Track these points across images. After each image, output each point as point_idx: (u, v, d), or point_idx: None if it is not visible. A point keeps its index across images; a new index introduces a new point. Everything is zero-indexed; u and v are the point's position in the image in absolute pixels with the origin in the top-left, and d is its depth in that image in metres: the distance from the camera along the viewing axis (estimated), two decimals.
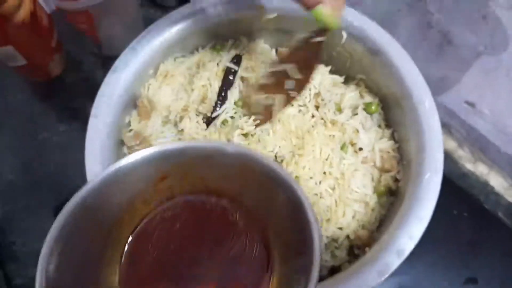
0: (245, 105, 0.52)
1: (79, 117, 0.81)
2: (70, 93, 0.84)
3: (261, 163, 0.34)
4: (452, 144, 0.80)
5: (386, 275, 0.41)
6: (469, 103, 0.80)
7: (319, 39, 0.43)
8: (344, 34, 0.53)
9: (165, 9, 0.91)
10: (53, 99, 0.84)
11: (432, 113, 0.47)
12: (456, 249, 0.68)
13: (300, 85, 0.47)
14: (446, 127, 0.80)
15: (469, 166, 0.81)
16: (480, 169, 0.81)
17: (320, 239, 0.30)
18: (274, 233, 0.36)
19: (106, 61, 0.86)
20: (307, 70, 0.47)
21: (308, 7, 0.39)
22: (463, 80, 0.76)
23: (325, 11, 0.38)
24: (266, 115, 0.50)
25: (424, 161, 0.46)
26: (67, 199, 0.69)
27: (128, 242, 0.37)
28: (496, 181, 0.81)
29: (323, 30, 0.44)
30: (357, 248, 0.50)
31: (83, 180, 0.70)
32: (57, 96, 0.84)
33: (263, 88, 0.50)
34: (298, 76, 0.47)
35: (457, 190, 0.72)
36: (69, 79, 0.86)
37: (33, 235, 0.67)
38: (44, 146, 0.78)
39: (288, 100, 0.48)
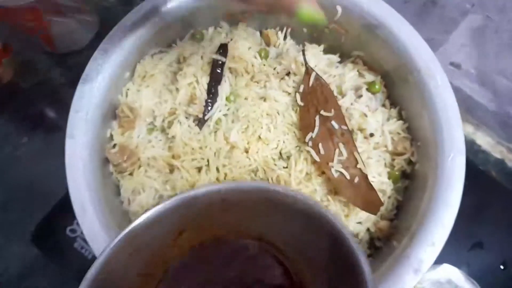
0: None
1: (41, 124, 0.75)
2: (26, 99, 0.77)
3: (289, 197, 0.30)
4: None
5: (424, 271, 0.38)
6: (455, 64, 0.78)
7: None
8: (339, 9, 0.48)
9: None
10: (7, 108, 0.76)
11: (446, 88, 0.44)
12: (460, 216, 0.67)
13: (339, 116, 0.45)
14: None
15: None
16: (467, 129, 0.80)
17: (370, 271, 0.27)
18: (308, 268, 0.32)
19: (62, 59, 0.79)
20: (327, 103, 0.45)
21: (290, 11, 0.34)
22: (449, 41, 0.73)
23: (309, 9, 0.34)
24: None
25: (444, 141, 0.42)
26: (44, 220, 0.63)
27: None
28: (483, 140, 0.81)
29: None
30: (378, 240, 0.47)
31: (55, 196, 0.65)
32: (12, 104, 0.77)
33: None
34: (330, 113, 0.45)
35: None
36: (22, 84, 0.78)
37: (9, 261, 0.63)
38: (8, 161, 0.71)
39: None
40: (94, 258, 0.39)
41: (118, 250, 0.29)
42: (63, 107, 0.75)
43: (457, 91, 0.79)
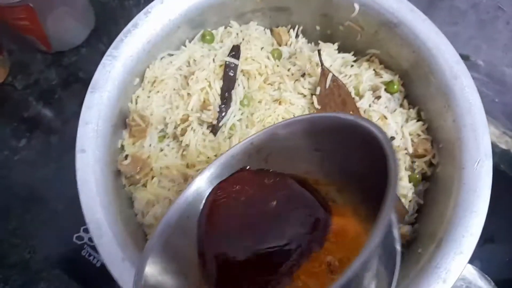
0: None
1: (38, 126, 0.73)
2: (21, 100, 0.75)
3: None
4: None
5: (453, 282, 0.37)
6: (463, 56, 0.76)
7: None
8: (357, 7, 0.46)
9: None
10: (2, 110, 0.74)
11: (472, 91, 0.42)
12: None
13: None
14: None
15: None
16: None
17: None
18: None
19: (57, 58, 0.76)
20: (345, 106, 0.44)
21: None
22: (458, 33, 0.72)
23: None
24: None
25: (470, 145, 0.41)
26: (48, 227, 0.61)
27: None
28: (488, 130, 0.80)
29: None
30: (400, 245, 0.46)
31: (57, 201, 0.63)
32: (7, 106, 0.74)
33: None
34: None
35: None
36: (16, 84, 0.75)
37: (13, 269, 0.61)
38: (6, 166, 0.68)
39: None
40: (102, 265, 0.38)
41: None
42: (61, 107, 0.74)
43: None
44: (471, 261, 0.59)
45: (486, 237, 0.64)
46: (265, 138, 0.32)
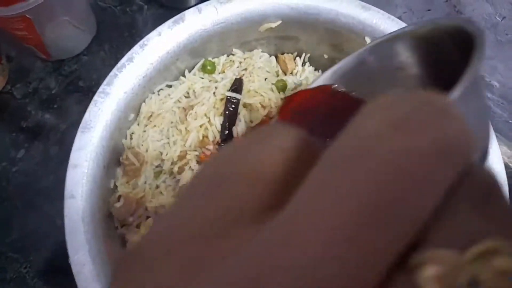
0: None
1: (37, 137, 0.71)
2: (21, 109, 0.73)
3: None
4: None
5: None
6: None
7: None
8: (368, 40, 0.43)
9: None
10: (0, 119, 0.72)
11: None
12: None
13: None
14: None
15: None
16: None
17: None
18: None
19: (58, 66, 0.74)
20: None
21: None
22: None
23: None
24: None
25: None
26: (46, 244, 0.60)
27: None
28: (500, 150, 0.79)
29: None
30: None
31: (57, 215, 0.62)
32: (5, 115, 0.72)
33: None
34: None
35: None
36: (15, 93, 0.74)
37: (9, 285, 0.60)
38: (4, 178, 0.66)
39: None
40: None
41: None
42: (60, 116, 0.72)
43: None
44: None
45: None
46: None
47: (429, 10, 0.67)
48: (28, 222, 0.64)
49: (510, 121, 0.75)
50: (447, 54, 0.29)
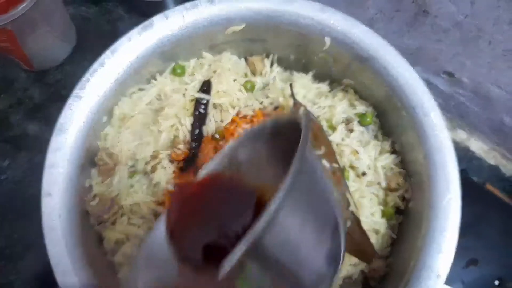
0: None
1: (23, 145, 0.72)
2: (5, 120, 0.74)
3: None
4: None
5: None
6: (448, 72, 0.77)
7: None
8: (327, 40, 0.45)
9: (98, 4, 0.81)
10: None
11: (441, 128, 0.42)
12: None
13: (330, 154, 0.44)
14: None
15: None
16: (460, 135, 0.80)
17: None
18: None
19: (40, 76, 0.76)
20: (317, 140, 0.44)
21: None
22: (441, 50, 0.72)
23: None
24: None
25: (439, 183, 0.41)
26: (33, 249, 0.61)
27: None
28: (476, 146, 0.81)
29: None
30: (372, 279, 0.46)
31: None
32: None
33: None
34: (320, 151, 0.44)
35: None
36: (0, 104, 0.75)
37: None
38: None
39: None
40: None
41: None
42: (46, 124, 0.73)
43: (450, 98, 0.79)
44: (452, 283, 0.59)
45: (470, 259, 0.64)
46: (234, 146, 0.36)
47: (398, 10, 0.70)
48: (16, 229, 0.65)
49: (483, 116, 0.77)
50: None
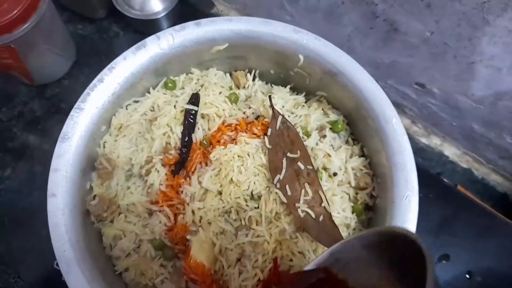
0: None
1: (23, 155, 0.76)
2: (6, 131, 0.78)
3: None
4: (406, 122, 0.83)
5: None
6: (419, 84, 0.82)
7: None
8: (301, 57, 0.51)
9: (94, 22, 0.85)
10: None
11: (401, 133, 0.48)
12: (427, 230, 0.71)
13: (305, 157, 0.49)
14: (399, 106, 0.83)
15: (423, 140, 0.86)
16: (434, 141, 0.85)
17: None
18: None
19: (41, 90, 0.80)
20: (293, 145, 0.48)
21: None
22: (412, 64, 0.77)
23: None
24: None
25: (400, 182, 0.46)
26: (31, 253, 0.64)
27: None
28: (450, 151, 0.86)
29: None
30: None
31: (42, 228, 0.65)
32: None
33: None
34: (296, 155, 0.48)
35: (418, 174, 0.76)
36: (1, 116, 0.79)
37: None
38: None
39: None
40: None
41: None
42: (45, 136, 0.77)
43: (423, 107, 0.84)
44: None
45: (441, 254, 0.69)
46: (342, 248, 0.37)
47: (371, 28, 0.76)
48: (14, 236, 0.68)
49: (454, 124, 0.82)
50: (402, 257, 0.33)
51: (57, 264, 0.65)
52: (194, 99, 0.51)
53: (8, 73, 0.75)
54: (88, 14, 0.84)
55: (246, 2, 0.79)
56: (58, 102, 0.81)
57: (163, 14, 0.73)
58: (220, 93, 0.54)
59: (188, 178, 0.50)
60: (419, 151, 0.81)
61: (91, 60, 0.82)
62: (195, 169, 0.50)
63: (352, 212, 0.51)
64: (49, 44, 0.73)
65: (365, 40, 0.79)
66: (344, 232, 0.50)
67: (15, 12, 0.61)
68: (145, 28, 0.78)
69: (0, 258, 0.67)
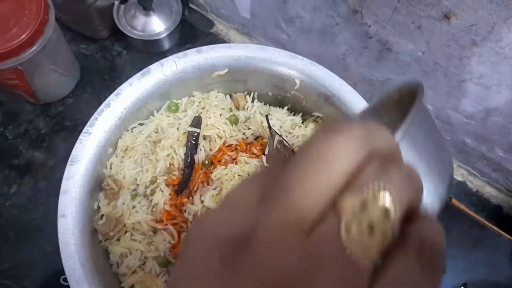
0: None
1: (27, 173, 0.77)
2: (12, 148, 0.80)
3: None
4: None
5: None
6: None
7: None
8: (297, 81, 0.54)
9: (97, 41, 0.87)
10: None
11: None
12: None
13: None
14: None
15: None
16: None
17: None
18: None
19: (46, 108, 0.82)
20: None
21: None
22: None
23: None
24: None
25: None
26: (38, 268, 0.65)
27: None
28: None
29: None
30: None
31: (47, 244, 0.68)
32: None
33: None
34: None
35: None
36: (7, 134, 0.81)
37: None
38: None
39: None
40: None
41: None
42: (48, 154, 0.79)
43: None
44: None
45: None
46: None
47: (365, 47, 0.79)
48: (19, 251, 0.70)
49: (448, 138, 0.85)
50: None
51: (63, 280, 0.68)
52: (196, 121, 0.54)
53: (13, 93, 0.77)
54: (91, 34, 0.86)
55: (244, 22, 0.82)
56: (62, 120, 0.82)
57: (164, 35, 0.75)
58: (220, 115, 0.56)
59: (191, 197, 0.52)
60: None
61: (94, 78, 0.84)
62: (197, 188, 0.52)
63: None
64: (55, 64, 0.75)
65: (359, 58, 0.82)
66: None
67: (23, 36, 0.63)
68: (147, 47, 0.80)
69: (5, 273, 0.69)
